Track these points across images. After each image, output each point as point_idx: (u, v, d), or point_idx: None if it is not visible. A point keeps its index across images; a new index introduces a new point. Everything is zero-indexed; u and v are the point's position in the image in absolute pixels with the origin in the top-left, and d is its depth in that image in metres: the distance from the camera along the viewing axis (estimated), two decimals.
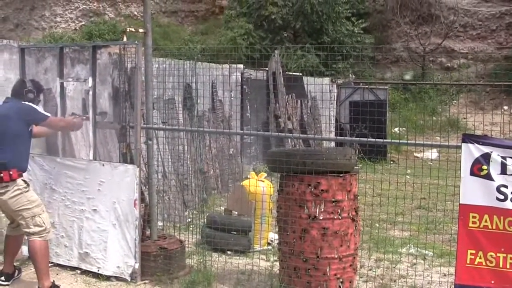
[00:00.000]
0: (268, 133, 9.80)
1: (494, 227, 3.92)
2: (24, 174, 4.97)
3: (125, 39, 5.88)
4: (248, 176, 7.07)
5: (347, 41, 19.42)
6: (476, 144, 4.02)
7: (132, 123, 5.68)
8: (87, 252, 5.49)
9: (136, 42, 5.44)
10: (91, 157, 5.63)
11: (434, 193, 7.38)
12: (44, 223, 4.89)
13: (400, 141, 11.04)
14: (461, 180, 4.03)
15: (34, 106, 5.07)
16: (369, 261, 5.69)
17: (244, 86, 11.39)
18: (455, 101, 19.29)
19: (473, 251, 3.96)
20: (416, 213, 7.87)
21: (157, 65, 7.23)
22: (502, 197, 3.90)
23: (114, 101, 7.73)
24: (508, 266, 3.86)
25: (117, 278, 5.32)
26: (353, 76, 16.36)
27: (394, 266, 5.58)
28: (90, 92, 5.62)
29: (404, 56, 21.34)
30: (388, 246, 6.05)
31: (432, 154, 13.22)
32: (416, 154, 13.28)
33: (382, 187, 9.13)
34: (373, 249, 6.01)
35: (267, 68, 12.43)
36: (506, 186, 3.90)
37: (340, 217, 4.73)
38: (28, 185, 4.92)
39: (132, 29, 5.96)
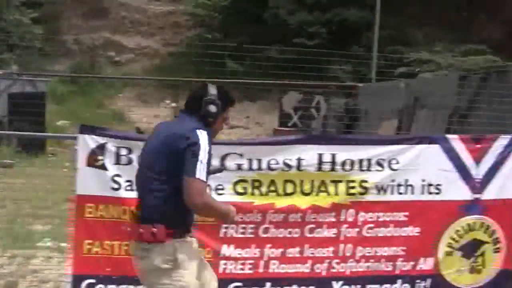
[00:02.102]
0: None
1: (109, 216, 4.00)
2: None
3: None
4: None
5: (15, 31, 18.35)
6: (92, 135, 4.15)
7: None
8: None
9: None
10: None
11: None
12: None
13: (49, 134, 10.83)
14: (77, 171, 4.11)
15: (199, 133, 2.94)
16: (1, 258, 5.47)
17: None
18: (121, 94, 19.86)
19: (90, 241, 3.98)
20: (65, 205, 7.88)
21: None
22: (116, 186, 4.00)
23: None
24: (123, 253, 3.95)
25: None
26: (16, 67, 15.43)
27: (28, 261, 5.47)
28: None
29: (74, 48, 21.08)
30: (27, 241, 5.89)
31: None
32: (76, 147, 13.20)
33: (36, 181, 8.86)
34: (9, 245, 5.78)
35: None
36: (120, 176, 4.01)
37: None
38: None
39: None
